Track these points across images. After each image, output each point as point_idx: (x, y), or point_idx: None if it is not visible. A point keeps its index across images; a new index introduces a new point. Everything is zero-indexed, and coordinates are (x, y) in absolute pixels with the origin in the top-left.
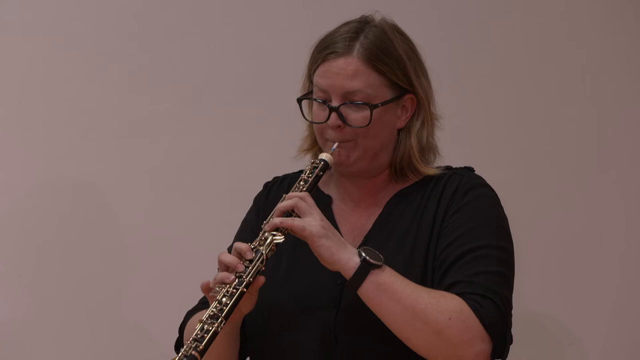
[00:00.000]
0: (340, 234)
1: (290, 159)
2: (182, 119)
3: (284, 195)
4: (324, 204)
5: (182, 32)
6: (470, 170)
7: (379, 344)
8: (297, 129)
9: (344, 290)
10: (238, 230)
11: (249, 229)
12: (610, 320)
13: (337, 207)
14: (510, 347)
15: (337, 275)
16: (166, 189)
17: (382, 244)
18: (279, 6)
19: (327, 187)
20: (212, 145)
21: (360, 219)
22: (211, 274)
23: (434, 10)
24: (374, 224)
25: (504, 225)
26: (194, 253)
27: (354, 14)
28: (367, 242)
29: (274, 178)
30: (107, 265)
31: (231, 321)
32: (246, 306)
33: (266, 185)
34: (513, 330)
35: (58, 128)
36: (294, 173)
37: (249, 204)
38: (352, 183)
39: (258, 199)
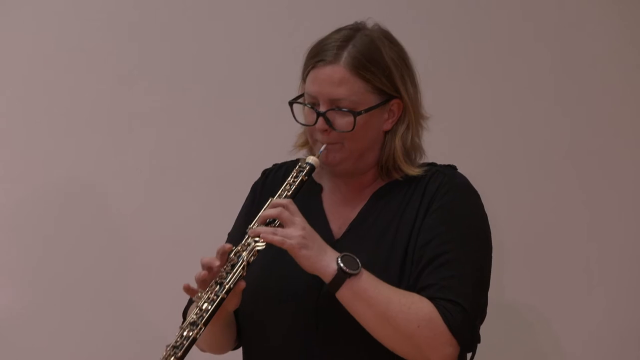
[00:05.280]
0: (328, 222)
1: (279, 151)
2: (171, 113)
3: (270, 199)
4: (314, 192)
5: (171, 27)
6: (453, 168)
7: (359, 332)
8: (284, 122)
9: None
10: (237, 218)
11: (243, 216)
12: (579, 304)
13: (326, 197)
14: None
15: None
16: (158, 179)
17: (364, 234)
18: (267, 1)
19: (320, 177)
20: (202, 138)
21: (346, 209)
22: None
23: (409, 14)
24: (358, 214)
25: (483, 226)
26: (187, 242)
27: (338, 13)
28: (350, 231)
29: (273, 165)
30: (101, 257)
31: (219, 318)
32: (231, 305)
33: (264, 172)
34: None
35: (49, 124)
36: (291, 161)
37: (239, 193)
38: (341, 178)
39: (255, 187)
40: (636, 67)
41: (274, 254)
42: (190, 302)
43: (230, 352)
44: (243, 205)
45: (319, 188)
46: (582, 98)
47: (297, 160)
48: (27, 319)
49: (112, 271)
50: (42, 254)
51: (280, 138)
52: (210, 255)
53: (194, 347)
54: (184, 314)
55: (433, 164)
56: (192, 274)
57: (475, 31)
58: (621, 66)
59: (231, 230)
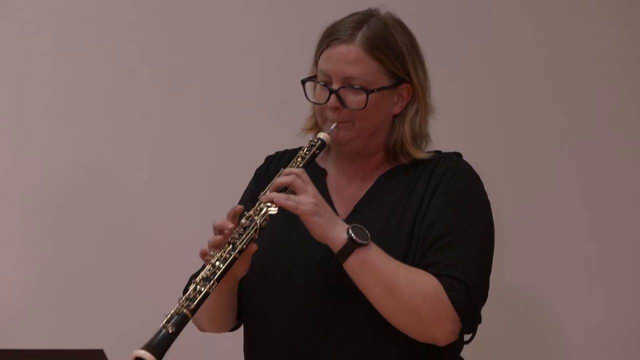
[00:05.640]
0: (332, 204)
1: (281, 144)
2: (171, 112)
3: (281, 169)
4: (319, 175)
5: (172, 23)
6: (458, 155)
7: (364, 304)
8: (286, 117)
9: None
10: (239, 200)
11: (247, 198)
12: (579, 304)
13: (331, 180)
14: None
15: None
16: (158, 178)
17: (370, 214)
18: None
19: (324, 162)
20: (202, 136)
21: (352, 190)
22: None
23: (409, 13)
24: (364, 195)
25: (487, 212)
26: (187, 242)
27: (339, 12)
28: (357, 212)
29: (276, 152)
30: (101, 256)
31: (227, 283)
32: (240, 270)
33: (267, 158)
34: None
35: (49, 125)
36: (293, 149)
37: (239, 191)
38: (348, 160)
39: (258, 171)
40: (636, 67)
41: (281, 230)
42: (190, 281)
43: (232, 341)
44: (246, 189)
45: (323, 172)
46: (582, 98)
47: (300, 148)
48: (27, 319)
49: (112, 271)
50: (41, 253)
51: (282, 131)
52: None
53: (196, 331)
54: (185, 291)
55: (438, 152)
56: (192, 272)
57: (475, 31)
58: (621, 66)
59: None
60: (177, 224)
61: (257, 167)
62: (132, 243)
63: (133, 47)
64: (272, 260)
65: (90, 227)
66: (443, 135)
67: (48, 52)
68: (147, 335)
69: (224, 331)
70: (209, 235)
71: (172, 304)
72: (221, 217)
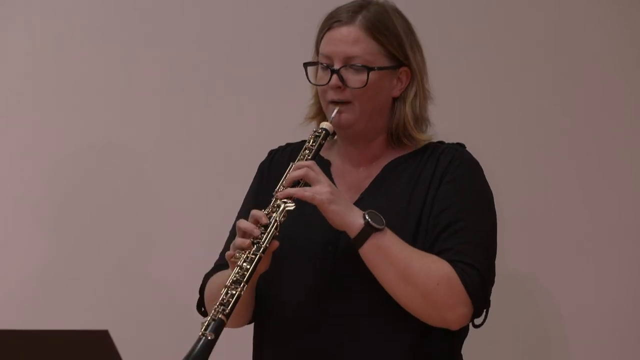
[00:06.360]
0: None
1: (284, 135)
2: (171, 108)
3: (291, 164)
4: (323, 166)
5: (178, 8)
6: (462, 146)
7: (373, 286)
8: (282, 118)
9: (341, 233)
10: (245, 197)
11: (252, 194)
12: (579, 305)
13: (335, 168)
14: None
15: None
16: (159, 175)
17: (376, 202)
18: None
19: (328, 153)
20: (205, 126)
21: (357, 178)
22: (213, 239)
23: (409, 14)
24: (370, 184)
25: (491, 202)
26: (188, 244)
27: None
28: (363, 199)
29: (278, 147)
30: (101, 256)
31: (251, 280)
32: (262, 267)
33: (270, 152)
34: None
35: (60, 110)
36: (295, 143)
37: (242, 177)
38: (352, 146)
39: (262, 167)
40: (636, 67)
41: (288, 222)
42: (205, 280)
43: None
44: (251, 185)
45: (327, 163)
46: (582, 98)
47: (303, 142)
48: (31, 309)
49: (114, 265)
50: (41, 253)
51: (282, 128)
52: (209, 236)
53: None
54: (201, 291)
55: (441, 142)
56: (194, 273)
57: (475, 31)
58: (621, 66)
59: (241, 209)
60: (178, 219)
61: (260, 162)
62: (134, 236)
63: (134, 43)
64: (282, 249)
65: (91, 224)
66: (442, 134)
67: (51, 49)
68: (149, 324)
69: (242, 325)
70: (212, 228)
71: (175, 296)
72: (221, 212)
